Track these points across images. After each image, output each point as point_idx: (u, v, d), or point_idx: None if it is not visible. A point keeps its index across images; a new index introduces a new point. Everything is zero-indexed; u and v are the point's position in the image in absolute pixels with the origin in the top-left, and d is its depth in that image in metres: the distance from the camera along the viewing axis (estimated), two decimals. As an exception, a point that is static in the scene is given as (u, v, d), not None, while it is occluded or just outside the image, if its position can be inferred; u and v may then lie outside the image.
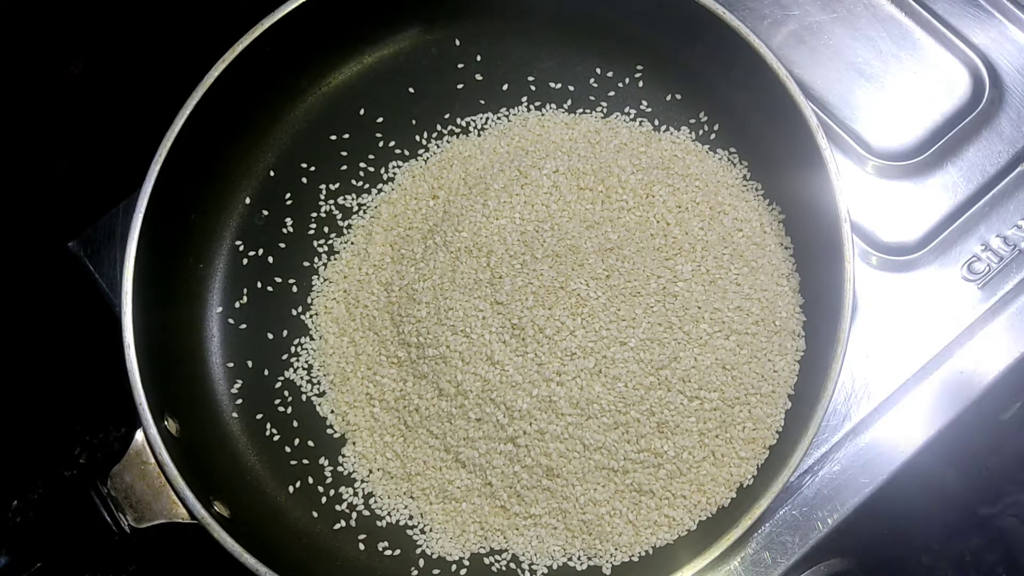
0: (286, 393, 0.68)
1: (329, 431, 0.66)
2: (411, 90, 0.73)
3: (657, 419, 0.61)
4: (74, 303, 0.78)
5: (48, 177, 0.84)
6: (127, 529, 0.58)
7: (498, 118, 0.72)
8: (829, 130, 0.69)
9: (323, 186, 0.72)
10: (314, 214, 0.71)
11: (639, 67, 0.71)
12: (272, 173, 0.72)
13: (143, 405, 0.59)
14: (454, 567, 0.62)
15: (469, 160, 0.70)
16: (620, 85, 0.72)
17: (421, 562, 0.63)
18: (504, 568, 0.61)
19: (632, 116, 0.71)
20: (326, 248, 0.70)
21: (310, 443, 0.66)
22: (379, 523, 0.64)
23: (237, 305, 0.69)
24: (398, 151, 0.72)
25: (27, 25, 0.85)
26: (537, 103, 0.72)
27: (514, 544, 0.61)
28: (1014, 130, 0.70)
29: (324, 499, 0.65)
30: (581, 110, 0.71)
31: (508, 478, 0.62)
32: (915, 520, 0.77)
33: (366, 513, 0.65)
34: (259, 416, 0.67)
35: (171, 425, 0.61)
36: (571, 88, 0.72)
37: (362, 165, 0.72)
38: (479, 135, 0.71)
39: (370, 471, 0.65)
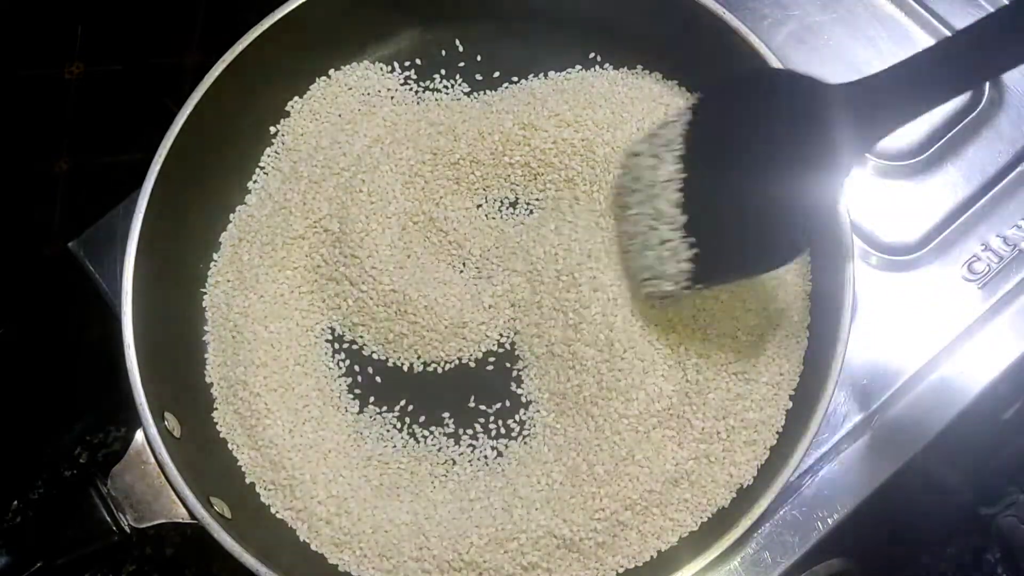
0: (286, 393, 0.67)
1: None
2: (411, 90, 0.73)
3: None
4: (74, 303, 0.78)
5: (48, 177, 0.84)
6: (127, 529, 0.58)
7: (498, 118, 0.72)
8: (829, 130, 0.69)
9: (323, 186, 0.71)
10: (314, 214, 0.71)
11: (639, 67, 0.71)
12: (272, 173, 0.72)
13: (143, 405, 0.59)
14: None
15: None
16: (620, 85, 0.71)
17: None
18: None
19: (632, 116, 0.70)
20: (326, 248, 0.70)
21: (310, 443, 0.66)
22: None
23: (237, 305, 0.69)
24: (398, 151, 0.72)
25: (27, 25, 0.85)
26: (537, 103, 0.72)
27: None
28: (1014, 130, 0.70)
29: (324, 499, 0.65)
30: (581, 110, 0.71)
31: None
32: (915, 520, 0.77)
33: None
34: (259, 416, 0.67)
35: (171, 425, 0.61)
36: (571, 88, 0.72)
37: (362, 165, 0.72)
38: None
39: None
